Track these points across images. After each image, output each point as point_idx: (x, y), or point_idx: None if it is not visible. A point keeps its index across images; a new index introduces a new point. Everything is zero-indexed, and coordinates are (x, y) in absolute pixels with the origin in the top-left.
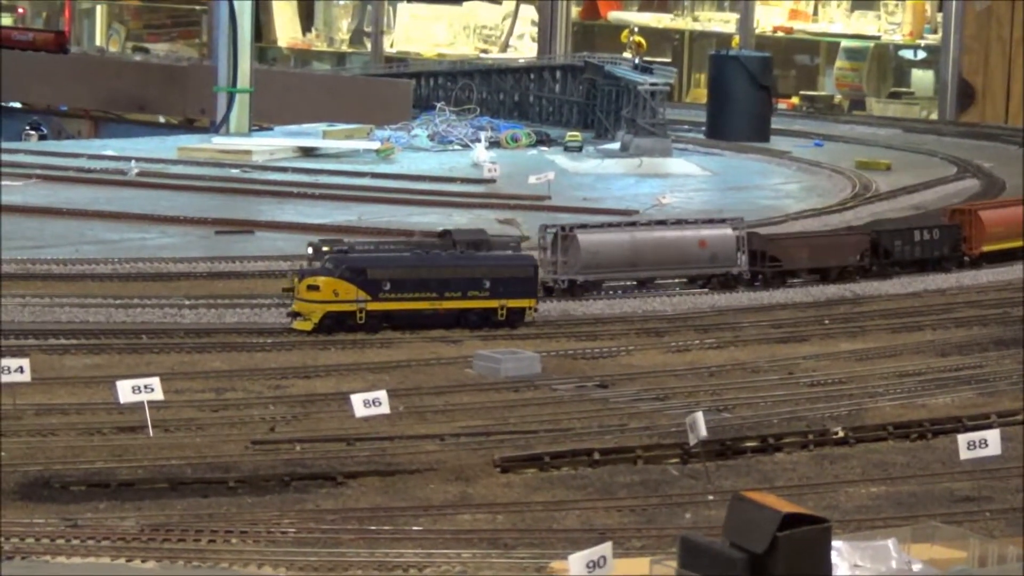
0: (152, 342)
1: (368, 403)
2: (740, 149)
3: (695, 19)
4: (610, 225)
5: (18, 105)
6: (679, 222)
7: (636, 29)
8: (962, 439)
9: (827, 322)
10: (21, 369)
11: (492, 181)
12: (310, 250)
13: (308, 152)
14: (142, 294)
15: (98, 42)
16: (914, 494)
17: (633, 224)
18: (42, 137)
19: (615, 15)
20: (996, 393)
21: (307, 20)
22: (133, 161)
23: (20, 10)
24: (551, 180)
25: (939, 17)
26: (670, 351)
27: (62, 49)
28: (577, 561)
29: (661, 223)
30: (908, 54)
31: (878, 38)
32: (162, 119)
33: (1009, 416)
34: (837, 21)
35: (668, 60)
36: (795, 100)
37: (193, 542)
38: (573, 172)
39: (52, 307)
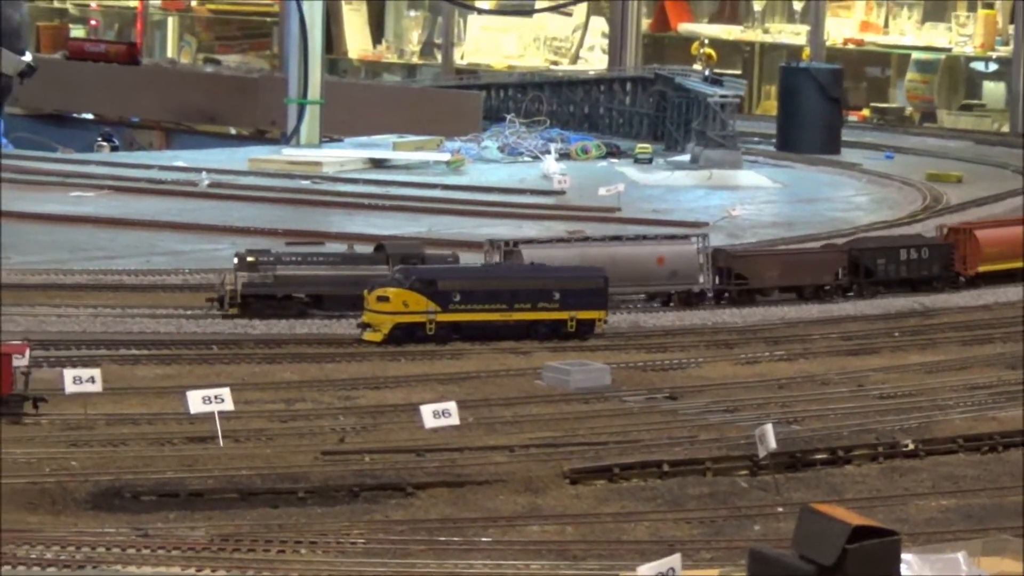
0: (223, 352)
1: (437, 414)
2: (810, 161)
3: (765, 31)
4: (560, 240)
5: (90, 116)
6: (636, 238)
7: (706, 41)
8: None
9: (897, 334)
10: (93, 379)
11: (562, 193)
12: (235, 260)
13: (378, 163)
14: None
15: (169, 54)
16: (984, 507)
17: (586, 239)
18: (114, 148)
19: (685, 27)
20: None
21: (378, 32)
22: (204, 172)
23: (93, 22)
24: (621, 192)
25: (1011, 29)
26: (740, 363)
27: (134, 61)
28: (646, 573)
29: (616, 239)
30: (979, 66)
31: (949, 50)
32: (233, 131)
33: None
34: (908, 33)
35: (738, 72)
36: (865, 112)
37: (262, 552)
38: (643, 184)
39: (123, 318)
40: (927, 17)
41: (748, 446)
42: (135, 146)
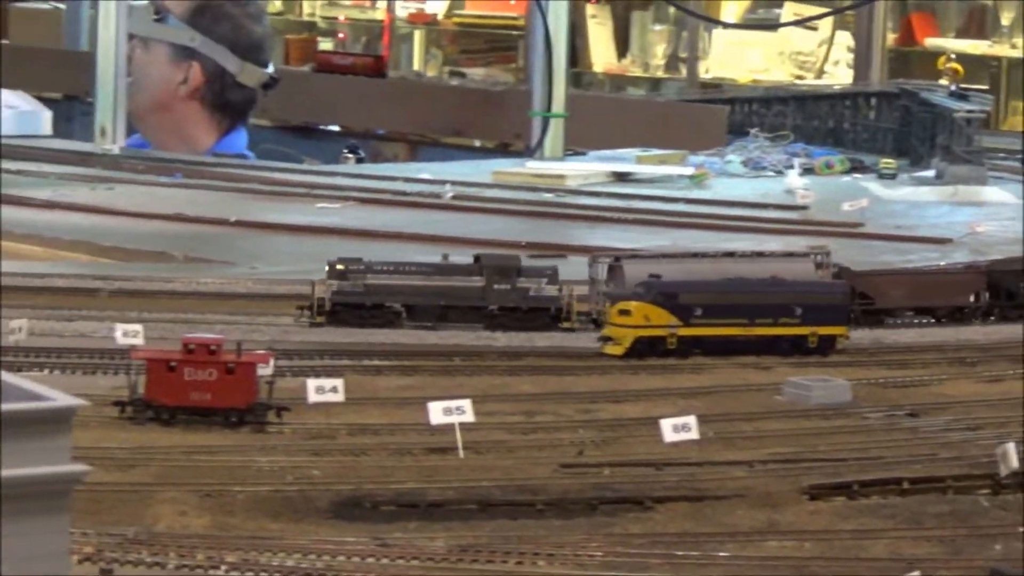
0: (464, 364)
1: (677, 428)
2: None
3: (1013, 46)
4: (665, 256)
5: (336, 128)
6: (751, 254)
7: (953, 56)
8: None
9: None
10: (335, 389)
11: (805, 208)
12: (326, 268)
13: (621, 177)
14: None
15: (415, 66)
16: None
17: (695, 256)
18: (359, 160)
19: (932, 42)
20: None
21: (622, 46)
22: (448, 184)
23: (341, 35)
24: (864, 207)
25: None
26: (982, 381)
27: (380, 73)
28: None
29: (729, 255)
30: None
31: None
32: (477, 143)
33: None
34: None
35: (985, 87)
36: None
37: (500, 563)
38: (887, 199)
39: (366, 328)
40: None
41: (990, 465)
42: (380, 158)
